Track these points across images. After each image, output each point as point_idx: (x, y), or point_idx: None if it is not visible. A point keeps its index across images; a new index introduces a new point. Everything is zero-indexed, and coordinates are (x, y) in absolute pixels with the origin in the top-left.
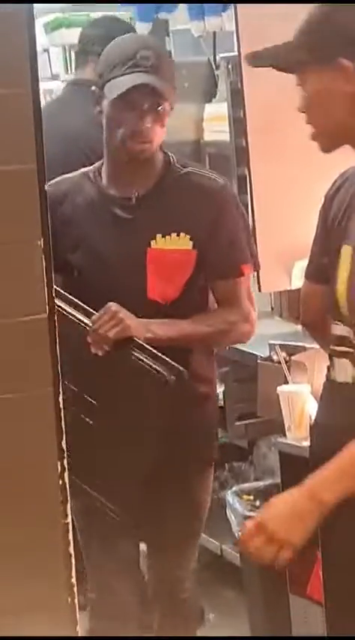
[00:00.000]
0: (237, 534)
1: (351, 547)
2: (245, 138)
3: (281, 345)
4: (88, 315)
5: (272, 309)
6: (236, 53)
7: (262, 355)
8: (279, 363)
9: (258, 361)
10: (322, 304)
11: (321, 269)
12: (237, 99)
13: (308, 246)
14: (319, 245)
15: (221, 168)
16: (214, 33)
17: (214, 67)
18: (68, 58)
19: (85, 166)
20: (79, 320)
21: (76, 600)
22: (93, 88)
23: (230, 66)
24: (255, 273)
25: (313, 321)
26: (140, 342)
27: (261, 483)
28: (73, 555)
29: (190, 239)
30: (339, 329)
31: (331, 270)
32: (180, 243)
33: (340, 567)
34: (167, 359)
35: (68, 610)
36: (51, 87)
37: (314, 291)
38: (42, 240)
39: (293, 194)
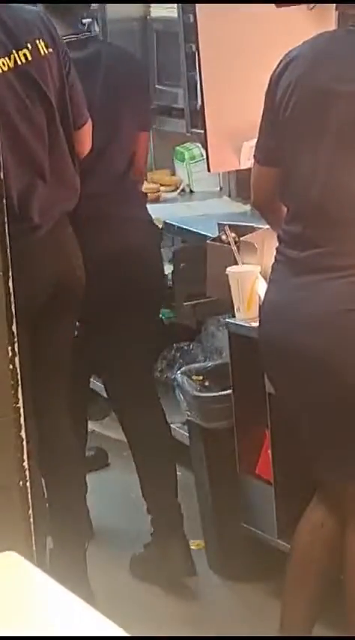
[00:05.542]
0: (186, 414)
1: (300, 425)
2: (193, 14)
3: (230, 226)
4: None
5: (220, 189)
6: None
7: (211, 235)
8: (228, 243)
9: (207, 242)
10: (273, 186)
11: (270, 152)
12: None
13: (257, 127)
14: (267, 128)
15: (168, 46)
16: None
17: None
18: None
19: None
20: None
21: (28, 483)
22: None
23: None
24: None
25: (264, 202)
26: None
27: (210, 363)
28: (24, 439)
29: None
30: None
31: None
32: None
33: (289, 446)
34: None
35: (19, 492)
36: None
37: (264, 173)
38: None
39: (242, 73)
